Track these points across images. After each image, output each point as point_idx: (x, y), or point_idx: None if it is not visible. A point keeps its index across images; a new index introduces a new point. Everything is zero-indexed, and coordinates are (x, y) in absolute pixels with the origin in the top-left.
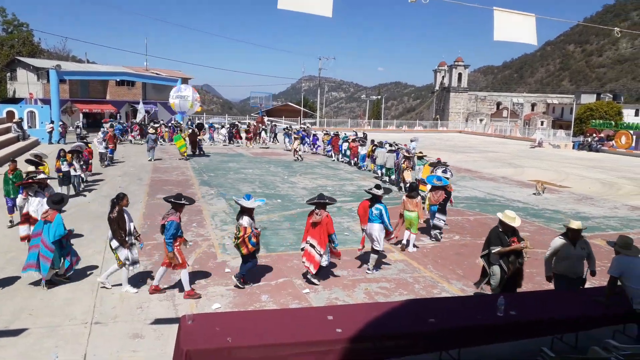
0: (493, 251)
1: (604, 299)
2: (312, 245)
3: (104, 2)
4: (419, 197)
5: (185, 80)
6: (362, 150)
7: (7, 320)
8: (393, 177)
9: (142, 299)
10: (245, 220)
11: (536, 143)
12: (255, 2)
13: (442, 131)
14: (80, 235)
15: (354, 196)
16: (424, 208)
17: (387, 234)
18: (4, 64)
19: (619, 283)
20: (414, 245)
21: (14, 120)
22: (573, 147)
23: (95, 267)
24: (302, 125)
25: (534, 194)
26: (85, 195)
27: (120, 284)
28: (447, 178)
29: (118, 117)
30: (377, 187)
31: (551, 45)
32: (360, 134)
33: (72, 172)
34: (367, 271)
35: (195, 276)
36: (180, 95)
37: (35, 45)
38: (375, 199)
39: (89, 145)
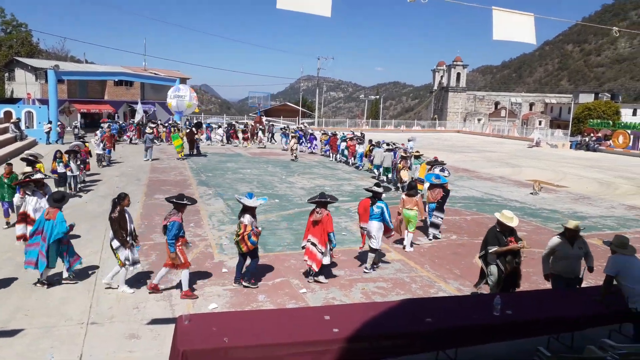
0: (490, 251)
1: (600, 298)
2: (313, 244)
3: (103, 2)
4: (419, 196)
5: (183, 80)
6: (360, 149)
7: (3, 321)
8: (390, 175)
9: (138, 299)
10: (246, 218)
11: (534, 143)
12: (254, 2)
13: (440, 131)
14: (77, 236)
15: (352, 196)
16: (424, 205)
17: (388, 231)
18: (2, 64)
19: (615, 282)
20: (411, 244)
21: (12, 121)
22: (571, 147)
23: (93, 267)
24: (300, 125)
25: (531, 193)
26: (81, 196)
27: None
28: (446, 176)
29: (116, 117)
30: (377, 185)
31: (550, 45)
32: (357, 134)
33: (69, 173)
34: (365, 270)
35: (192, 276)
36: (177, 95)
37: (33, 46)
38: (375, 197)
39: (87, 144)
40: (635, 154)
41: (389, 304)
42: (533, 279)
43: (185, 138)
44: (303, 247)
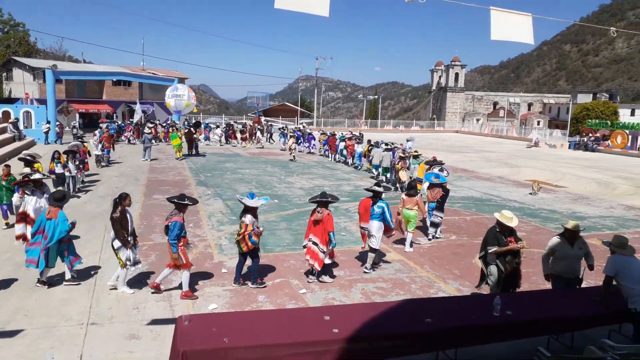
0: (490, 251)
1: (599, 299)
2: (314, 243)
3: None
4: (419, 195)
5: (182, 80)
6: (359, 149)
7: (3, 321)
8: (388, 175)
9: (138, 300)
10: (247, 218)
11: (532, 143)
12: (252, 2)
13: (438, 131)
14: (76, 237)
15: (351, 196)
16: (425, 203)
17: (388, 230)
18: (0, 64)
19: (614, 282)
20: (411, 245)
21: (10, 121)
22: (569, 147)
23: (92, 267)
24: (298, 126)
25: (530, 193)
26: (79, 197)
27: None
28: (445, 176)
29: (115, 117)
30: (378, 184)
31: (548, 45)
32: (356, 134)
33: (67, 174)
34: (365, 270)
35: (191, 277)
36: (175, 95)
37: (31, 45)
38: (377, 197)
39: (85, 144)
40: (634, 154)
41: (389, 304)
42: (533, 279)
43: (183, 138)
44: (304, 247)
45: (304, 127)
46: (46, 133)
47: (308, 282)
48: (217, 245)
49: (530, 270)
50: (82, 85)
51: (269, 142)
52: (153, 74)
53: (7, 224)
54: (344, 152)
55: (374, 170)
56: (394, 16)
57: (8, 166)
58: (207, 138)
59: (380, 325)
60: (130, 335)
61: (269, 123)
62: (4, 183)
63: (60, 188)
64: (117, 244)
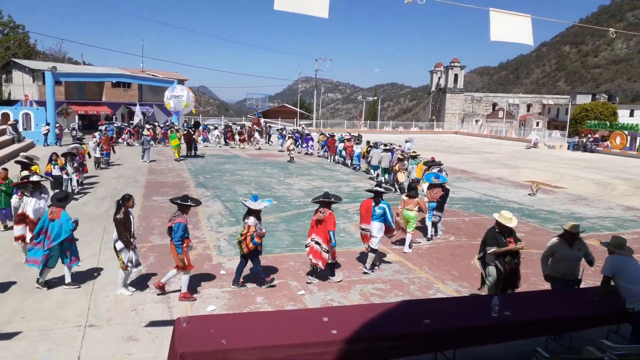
0: (489, 252)
1: (597, 299)
2: (317, 243)
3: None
4: (420, 196)
5: (181, 82)
6: (357, 149)
7: (0, 323)
8: (387, 176)
9: (136, 302)
10: (251, 220)
11: (531, 144)
12: (252, 3)
13: (438, 132)
14: (75, 239)
15: (350, 197)
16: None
17: (389, 231)
18: (0, 66)
19: (612, 283)
20: (410, 245)
21: (9, 123)
22: (568, 148)
23: (91, 269)
24: (297, 127)
25: (529, 194)
26: (77, 199)
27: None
28: (444, 176)
29: (114, 119)
30: (379, 185)
31: (547, 46)
32: (355, 135)
33: (64, 176)
34: (364, 270)
35: (190, 278)
36: (174, 95)
37: (31, 47)
38: (378, 198)
39: (84, 146)
40: (633, 154)
41: (388, 305)
42: (532, 279)
43: (182, 139)
44: (306, 246)
45: (302, 128)
46: (45, 135)
47: (307, 283)
48: (216, 246)
49: (529, 271)
50: (82, 87)
51: (268, 143)
52: (153, 75)
53: (5, 226)
54: (343, 153)
55: (372, 171)
56: (393, 17)
57: (5, 169)
58: (205, 139)
59: (379, 327)
60: (129, 337)
61: (268, 124)
62: (2, 187)
63: (56, 191)
64: (119, 245)
